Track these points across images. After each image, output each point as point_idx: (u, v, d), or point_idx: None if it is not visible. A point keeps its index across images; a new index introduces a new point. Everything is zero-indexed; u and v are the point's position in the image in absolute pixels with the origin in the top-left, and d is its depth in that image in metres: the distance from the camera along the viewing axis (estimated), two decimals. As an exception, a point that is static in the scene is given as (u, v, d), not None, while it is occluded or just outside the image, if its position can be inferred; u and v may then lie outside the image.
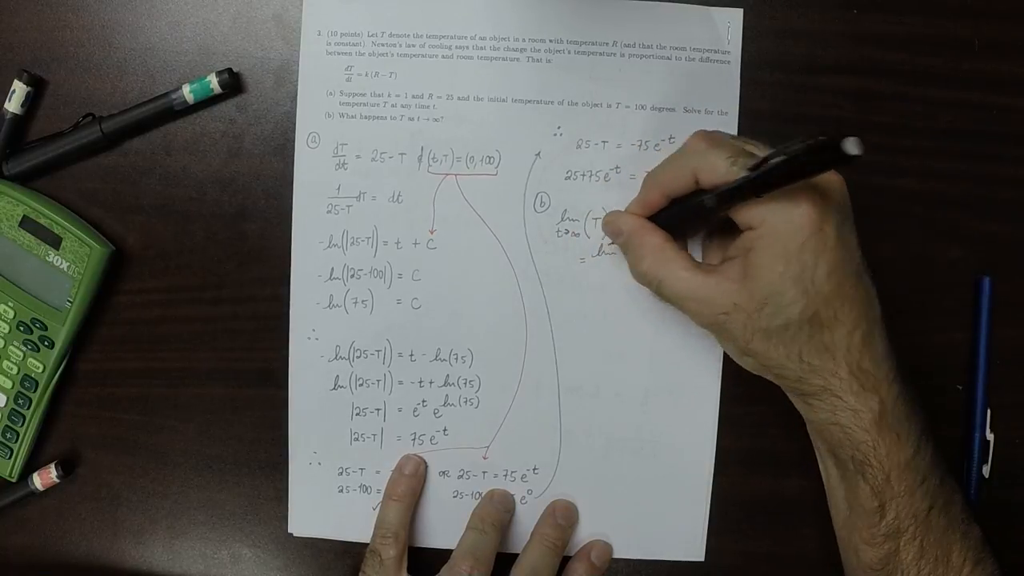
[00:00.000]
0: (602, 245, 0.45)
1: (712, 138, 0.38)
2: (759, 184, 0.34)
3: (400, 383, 0.46)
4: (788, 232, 0.35)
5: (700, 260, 0.43)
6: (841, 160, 0.30)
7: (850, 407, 0.37)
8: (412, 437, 0.46)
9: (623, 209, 0.43)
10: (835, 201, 0.36)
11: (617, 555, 0.46)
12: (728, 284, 0.37)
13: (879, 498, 0.37)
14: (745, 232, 0.37)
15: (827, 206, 0.35)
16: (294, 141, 0.45)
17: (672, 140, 0.44)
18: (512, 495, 0.46)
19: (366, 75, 0.44)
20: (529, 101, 0.44)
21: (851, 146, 0.30)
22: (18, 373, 0.45)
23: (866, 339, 0.37)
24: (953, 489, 0.39)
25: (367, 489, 0.46)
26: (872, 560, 0.39)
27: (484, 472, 0.46)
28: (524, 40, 0.44)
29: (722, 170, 0.36)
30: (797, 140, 0.32)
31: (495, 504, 0.45)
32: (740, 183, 0.35)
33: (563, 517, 0.45)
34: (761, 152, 0.36)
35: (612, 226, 0.43)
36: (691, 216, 0.40)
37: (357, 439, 0.46)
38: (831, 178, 0.36)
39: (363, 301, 0.45)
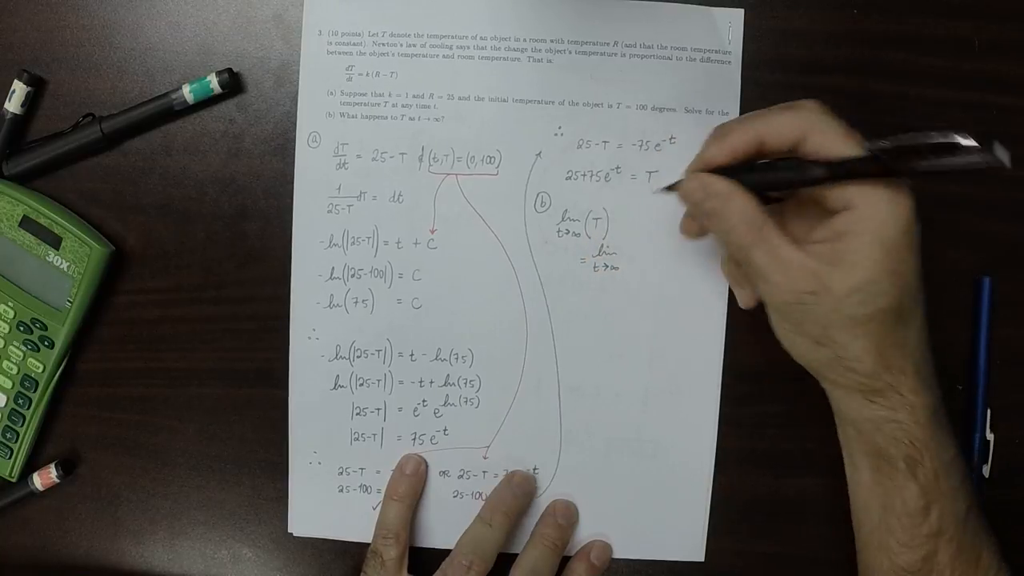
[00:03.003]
0: (603, 245, 0.45)
1: (826, 107, 0.36)
2: (889, 162, 0.33)
3: (400, 383, 0.46)
4: (890, 220, 0.34)
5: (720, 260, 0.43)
6: (988, 162, 0.30)
7: (909, 403, 0.36)
8: (412, 437, 0.46)
9: (686, 165, 0.39)
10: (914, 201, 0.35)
11: (617, 555, 0.46)
12: (820, 264, 0.35)
13: (926, 497, 0.37)
14: (841, 214, 0.35)
15: (913, 203, 0.34)
16: (294, 141, 0.45)
17: (673, 140, 0.44)
18: (534, 477, 0.46)
19: (367, 75, 0.44)
20: (530, 101, 0.44)
21: (1001, 153, 0.30)
22: (18, 373, 0.45)
23: (927, 339, 0.37)
24: (978, 495, 0.39)
25: (367, 489, 0.46)
26: (908, 562, 0.38)
27: (484, 472, 0.46)
28: (525, 40, 0.44)
29: (839, 140, 0.34)
30: (940, 130, 0.32)
31: (512, 489, 0.45)
32: (864, 158, 0.33)
33: (563, 517, 0.45)
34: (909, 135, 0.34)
35: (702, 189, 0.37)
36: (781, 182, 0.37)
37: (357, 439, 0.46)
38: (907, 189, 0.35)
39: (363, 301, 0.45)
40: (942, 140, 0.31)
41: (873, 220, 0.34)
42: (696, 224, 0.42)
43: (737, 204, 0.36)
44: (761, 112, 0.37)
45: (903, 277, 0.35)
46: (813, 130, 0.35)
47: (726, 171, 0.37)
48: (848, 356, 0.36)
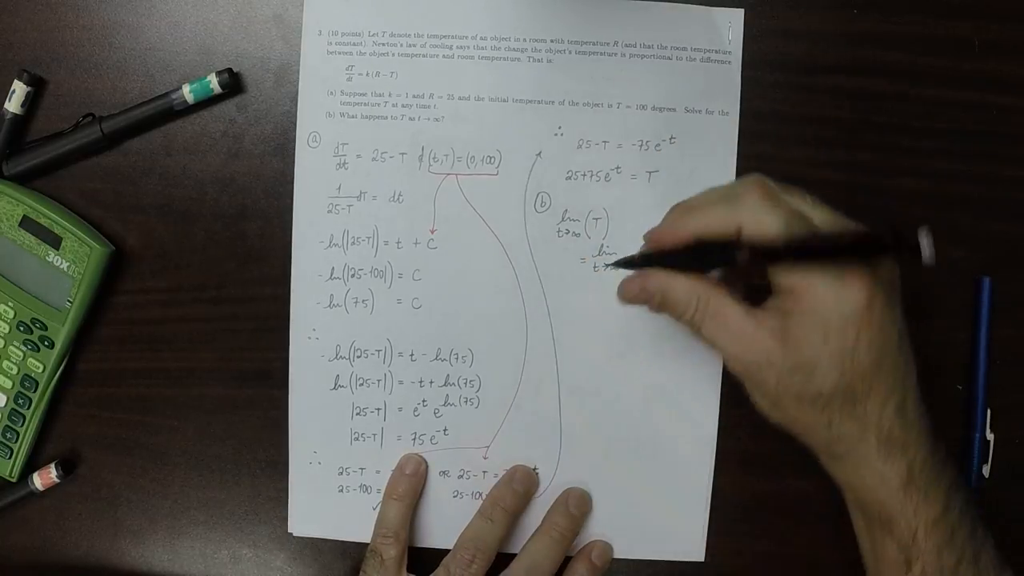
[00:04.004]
0: (603, 245, 0.45)
1: (771, 194, 0.35)
2: (802, 254, 0.33)
3: (400, 383, 0.46)
4: (833, 305, 0.33)
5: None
6: (912, 257, 0.29)
7: (877, 471, 0.36)
8: (412, 437, 0.46)
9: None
10: (886, 276, 0.35)
11: (617, 555, 0.46)
12: (765, 338, 0.35)
13: (905, 554, 0.37)
14: (784, 294, 0.35)
15: (875, 282, 0.34)
16: (294, 141, 0.45)
17: (673, 140, 0.44)
18: (536, 473, 0.46)
19: (367, 75, 0.44)
20: (530, 101, 0.44)
21: (926, 247, 0.29)
22: (18, 373, 0.45)
23: (899, 409, 0.36)
24: (984, 538, 0.38)
25: (367, 489, 0.46)
26: None
27: (484, 472, 0.46)
28: (525, 40, 0.44)
29: (771, 234, 0.34)
30: (858, 231, 0.32)
31: (513, 486, 0.45)
32: (782, 245, 0.33)
33: (576, 506, 0.45)
34: (815, 215, 0.35)
35: (644, 293, 0.38)
36: (713, 263, 0.37)
37: (357, 439, 0.46)
38: None
39: (363, 301, 0.45)
40: (865, 241, 0.31)
41: (813, 305, 0.34)
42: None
43: (677, 291, 0.37)
44: (701, 204, 0.37)
45: (852, 361, 0.34)
46: (748, 223, 0.34)
47: (669, 255, 0.38)
48: (800, 425, 0.37)
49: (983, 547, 0.38)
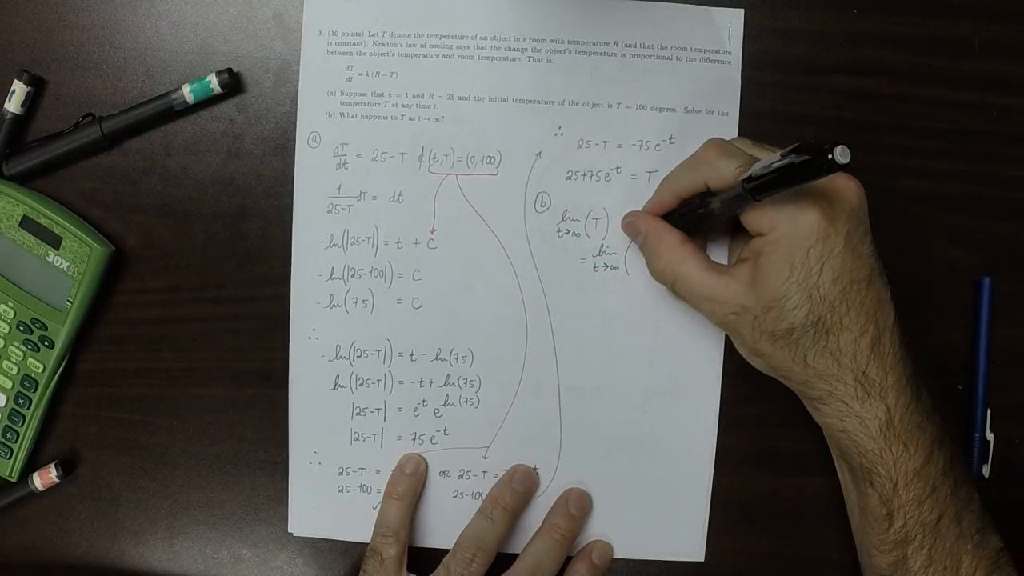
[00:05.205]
0: (603, 245, 0.45)
1: (723, 147, 0.39)
2: (754, 190, 0.35)
3: (400, 383, 0.46)
4: (794, 238, 0.36)
5: (727, 259, 0.44)
6: (829, 168, 0.30)
7: (856, 414, 0.37)
8: (412, 437, 0.46)
9: (639, 208, 0.44)
10: (847, 207, 0.36)
11: (617, 555, 0.46)
12: (737, 286, 0.38)
13: (887, 506, 0.38)
14: (756, 237, 0.38)
15: (836, 212, 0.36)
16: (294, 141, 0.45)
17: (673, 140, 0.44)
18: (536, 473, 0.46)
19: (367, 75, 0.44)
20: (530, 101, 0.44)
21: (839, 155, 0.30)
22: (18, 373, 0.45)
23: (874, 345, 0.37)
24: (969, 498, 0.38)
25: (367, 489, 0.46)
26: (882, 565, 0.39)
27: (484, 472, 0.46)
28: (525, 40, 0.44)
29: (729, 179, 0.37)
30: (790, 147, 0.33)
31: (513, 485, 0.45)
32: (740, 192, 0.36)
33: (576, 507, 0.45)
34: (763, 154, 0.37)
35: (631, 227, 0.43)
36: (699, 218, 0.40)
37: (357, 439, 0.46)
38: (846, 183, 0.36)
39: (363, 301, 0.45)
40: (791, 154, 0.32)
41: (778, 240, 0.36)
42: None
43: (664, 239, 0.41)
44: (674, 173, 0.42)
45: (818, 289, 0.36)
46: (709, 176, 0.39)
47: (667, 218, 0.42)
48: (778, 366, 0.38)
49: (968, 506, 0.38)
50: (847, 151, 0.30)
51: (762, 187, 0.34)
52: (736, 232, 0.43)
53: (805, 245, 0.36)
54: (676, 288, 0.41)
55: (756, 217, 0.37)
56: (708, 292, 0.39)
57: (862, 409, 0.37)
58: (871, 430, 0.37)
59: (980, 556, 0.38)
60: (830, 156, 0.30)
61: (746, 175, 0.35)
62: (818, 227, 0.35)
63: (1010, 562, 0.39)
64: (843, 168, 0.30)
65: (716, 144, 0.39)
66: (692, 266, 0.39)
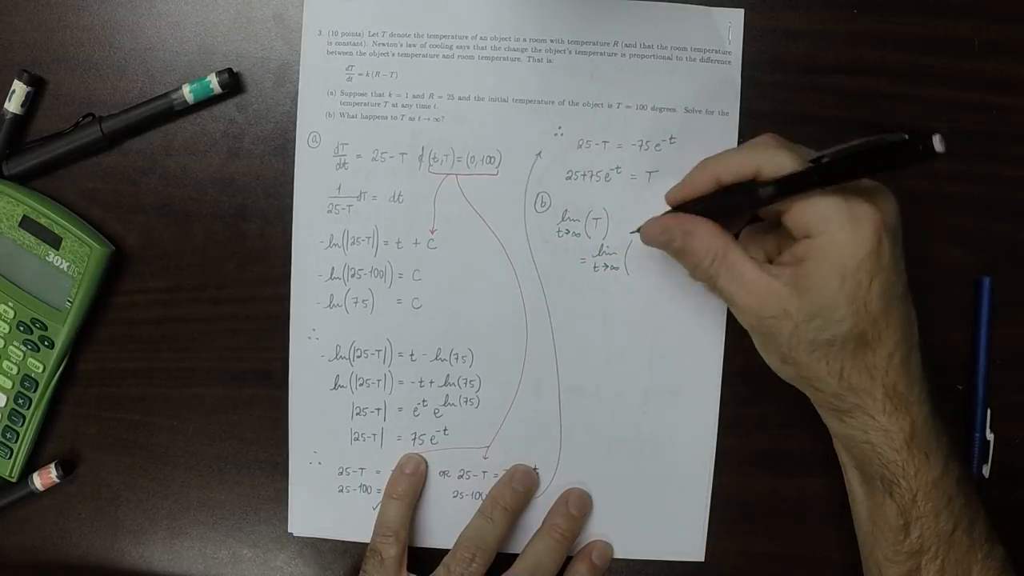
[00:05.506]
0: (603, 245, 0.45)
1: (783, 142, 0.37)
2: (825, 172, 0.33)
3: (400, 383, 0.46)
4: (848, 248, 0.34)
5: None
6: (925, 155, 0.30)
7: (882, 427, 0.37)
8: (412, 437, 0.46)
9: (665, 192, 0.42)
10: (890, 222, 0.35)
11: (617, 555, 0.46)
12: (781, 288, 0.36)
13: (905, 517, 0.37)
14: (801, 240, 0.36)
15: (884, 227, 0.35)
16: (294, 141, 0.45)
17: (673, 140, 0.44)
18: (536, 473, 0.46)
19: (367, 75, 0.44)
20: (530, 101, 0.44)
21: (937, 143, 0.29)
22: (18, 373, 0.45)
23: (904, 361, 0.36)
24: (978, 509, 0.38)
25: (367, 489, 0.46)
26: None
27: (484, 472, 0.46)
28: (525, 40, 0.44)
29: (787, 167, 0.35)
30: (869, 136, 0.32)
31: (513, 485, 0.45)
32: (806, 170, 0.34)
33: (576, 507, 0.45)
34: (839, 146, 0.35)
35: (656, 227, 0.40)
36: (738, 205, 0.38)
37: (357, 439, 0.46)
38: (888, 199, 0.36)
39: (363, 301, 0.45)
40: (879, 142, 0.32)
41: (830, 247, 0.35)
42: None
43: (699, 236, 0.38)
44: (720, 155, 0.39)
45: (865, 303, 0.35)
46: (765, 163, 0.36)
47: (688, 205, 0.40)
48: (811, 376, 0.37)
49: (977, 517, 0.38)
50: (943, 141, 0.29)
51: (836, 169, 0.33)
52: (753, 232, 0.41)
53: (858, 256, 0.34)
54: (721, 283, 0.38)
55: (807, 215, 0.35)
56: (750, 291, 0.37)
57: (888, 422, 0.37)
58: (895, 442, 0.37)
59: (989, 566, 0.38)
60: (930, 143, 0.29)
61: (818, 155, 0.34)
62: (873, 239, 0.34)
63: (1015, 573, 0.39)
64: (938, 156, 0.29)
65: (774, 137, 0.38)
66: (742, 257, 0.37)
